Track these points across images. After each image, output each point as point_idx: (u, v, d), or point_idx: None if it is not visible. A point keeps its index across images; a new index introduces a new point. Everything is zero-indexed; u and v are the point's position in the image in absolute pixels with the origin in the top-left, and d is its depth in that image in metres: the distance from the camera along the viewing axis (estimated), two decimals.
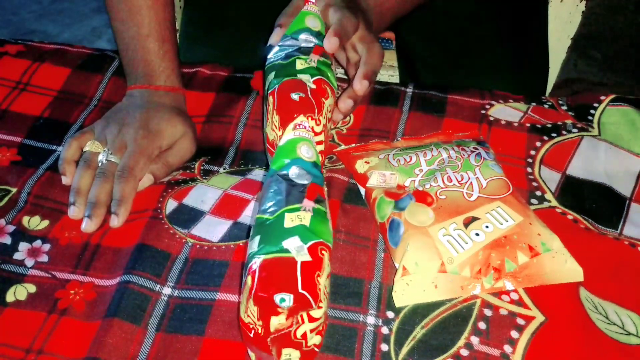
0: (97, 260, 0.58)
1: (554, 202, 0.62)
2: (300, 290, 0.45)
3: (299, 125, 0.55)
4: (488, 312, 0.53)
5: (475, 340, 0.51)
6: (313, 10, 0.65)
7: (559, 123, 0.69)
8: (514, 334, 0.52)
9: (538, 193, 0.63)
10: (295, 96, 0.57)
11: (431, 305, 0.54)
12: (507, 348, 0.51)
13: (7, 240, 0.60)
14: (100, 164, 0.63)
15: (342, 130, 0.69)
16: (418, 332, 0.52)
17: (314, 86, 0.58)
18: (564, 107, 0.72)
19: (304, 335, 0.46)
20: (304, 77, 0.59)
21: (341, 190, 0.63)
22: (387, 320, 0.53)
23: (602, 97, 0.72)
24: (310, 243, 0.47)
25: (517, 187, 0.59)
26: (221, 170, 0.66)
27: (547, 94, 0.93)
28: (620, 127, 0.68)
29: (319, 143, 0.57)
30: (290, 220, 0.49)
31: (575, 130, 0.69)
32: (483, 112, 0.71)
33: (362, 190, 0.62)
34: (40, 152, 0.68)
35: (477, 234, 0.54)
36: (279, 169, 0.53)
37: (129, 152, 0.63)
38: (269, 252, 0.47)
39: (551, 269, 0.54)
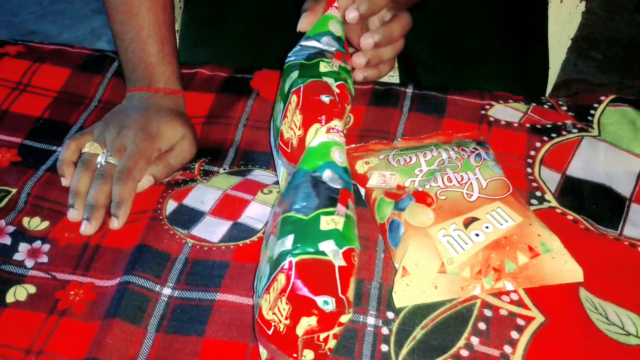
0: (97, 261, 0.58)
1: (554, 203, 0.62)
2: (340, 294, 0.45)
3: (333, 129, 0.54)
4: (488, 313, 0.53)
5: (475, 340, 0.51)
6: (336, 15, 0.64)
7: (559, 123, 0.69)
8: (514, 334, 0.52)
9: (538, 193, 0.63)
10: (325, 99, 0.55)
11: (431, 306, 0.54)
12: (507, 348, 0.51)
13: (7, 240, 0.60)
14: (99, 166, 0.63)
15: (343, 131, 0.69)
16: (418, 333, 0.52)
17: (338, 90, 0.57)
18: (564, 108, 0.72)
19: (326, 339, 0.46)
20: (329, 81, 0.58)
21: None
22: (387, 320, 0.53)
23: (602, 98, 0.72)
24: (344, 248, 0.47)
25: (517, 188, 0.59)
26: (221, 170, 0.66)
27: (547, 95, 0.93)
28: (620, 128, 0.68)
29: None
30: (326, 223, 0.48)
31: (575, 130, 0.68)
32: (483, 112, 0.71)
33: (362, 191, 0.62)
34: (40, 152, 0.68)
35: (477, 235, 0.54)
36: (312, 170, 0.52)
37: (128, 154, 0.63)
38: (305, 253, 0.46)
39: (551, 269, 0.54)
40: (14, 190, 0.64)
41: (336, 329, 0.46)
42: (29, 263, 0.58)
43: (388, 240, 0.56)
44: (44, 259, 0.58)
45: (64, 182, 0.64)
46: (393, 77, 0.96)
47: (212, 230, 0.60)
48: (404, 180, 0.59)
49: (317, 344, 0.47)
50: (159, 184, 0.65)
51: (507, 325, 0.52)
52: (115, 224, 0.60)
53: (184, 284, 0.56)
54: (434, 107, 0.71)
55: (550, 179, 0.64)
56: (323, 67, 0.59)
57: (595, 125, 0.69)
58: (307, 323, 0.45)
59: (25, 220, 0.61)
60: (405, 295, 0.53)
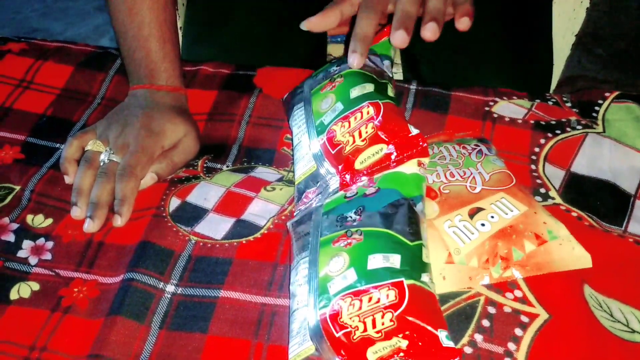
0: (101, 258, 0.58)
1: (558, 199, 0.62)
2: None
3: (423, 164, 0.55)
4: (492, 310, 0.53)
5: (479, 337, 0.51)
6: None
7: (563, 120, 0.69)
8: (517, 331, 0.51)
9: (542, 190, 0.62)
10: (414, 130, 0.55)
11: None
12: (511, 346, 0.51)
13: (11, 238, 0.60)
14: (102, 164, 0.63)
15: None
16: None
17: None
18: (568, 104, 0.71)
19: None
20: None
21: None
22: None
23: (607, 94, 0.71)
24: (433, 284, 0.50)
25: (521, 184, 0.59)
26: (224, 168, 0.66)
27: (551, 91, 0.92)
28: (625, 124, 0.68)
29: None
30: (425, 255, 0.51)
31: (579, 127, 0.68)
32: (487, 109, 0.70)
33: None
34: (43, 150, 0.68)
35: (483, 224, 0.54)
36: (409, 197, 0.53)
37: (130, 152, 0.63)
38: (413, 278, 0.48)
39: (559, 256, 0.54)
40: (17, 188, 0.64)
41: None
42: (33, 260, 0.58)
43: None
44: (48, 256, 0.58)
45: (67, 179, 0.64)
46: (397, 73, 0.96)
47: (216, 227, 0.60)
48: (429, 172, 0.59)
49: None
50: (162, 182, 0.65)
51: (511, 323, 0.52)
52: (118, 221, 0.60)
53: (187, 281, 0.56)
54: (437, 104, 0.71)
55: (555, 175, 0.64)
56: (390, 91, 0.60)
57: (599, 122, 0.69)
58: (396, 344, 0.45)
59: (29, 218, 0.61)
60: None
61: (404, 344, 0.45)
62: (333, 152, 0.56)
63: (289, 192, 0.62)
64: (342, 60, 0.62)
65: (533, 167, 0.65)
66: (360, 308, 0.46)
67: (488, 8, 0.85)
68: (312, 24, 0.62)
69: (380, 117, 0.55)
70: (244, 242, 0.59)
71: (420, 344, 0.45)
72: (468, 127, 0.67)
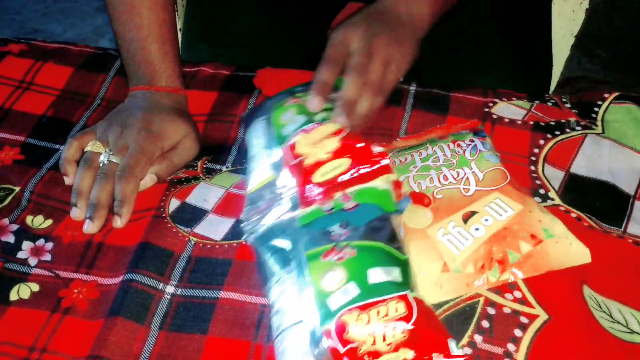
0: (101, 259, 0.58)
1: (558, 200, 0.62)
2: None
3: (398, 184, 0.56)
4: (491, 311, 0.53)
5: (478, 338, 0.51)
6: None
7: (563, 121, 0.69)
8: (517, 332, 0.51)
9: (542, 191, 0.62)
10: (377, 148, 0.56)
11: (434, 304, 0.53)
12: (511, 346, 0.51)
13: (11, 238, 0.60)
14: (101, 165, 0.63)
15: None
16: None
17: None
18: (568, 105, 0.71)
19: None
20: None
21: None
22: None
23: (606, 95, 0.71)
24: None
25: (515, 181, 0.59)
26: (224, 169, 0.66)
27: (550, 92, 0.92)
28: (624, 125, 0.68)
29: None
30: (412, 270, 0.51)
31: (579, 128, 0.68)
32: (486, 110, 0.70)
33: None
34: (43, 151, 0.68)
35: (477, 229, 0.54)
36: (390, 212, 0.53)
37: (130, 153, 0.63)
38: (413, 291, 0.48)
39: (556, 254, 0.54)
40: (17, 189, 0.64)
41: None
42: (33, 261, 0.58)
43: None
44: (48, 257, 0.58)
45: (67, 181, 0.64)
46: None
47: (215, 228, 0.60)
48: (399, 176, 0.59)
49: None
50: (161, 182, 0.65)
51: (511, 323, 0.52)
52: (118, 222, 0.60)
53: (187, 281, 0.56)
54: (437, 105, 0.71)
55: (554, 176, 0.64)
56: None
57: (599, 123, 0.69)
58: (401, 356, 0.45)
59: (29, 219, 0.61)
60: None
61: (410, 354, 0.45)
62: (292, 163, 0.56)
63: None
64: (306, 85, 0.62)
65: (532, 168, 0.65)
66: (368, 322, 0.46)
67: (487, 9, 0.85)
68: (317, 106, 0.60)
69: (345, 132, 0.56)
70: (243, 243, 0.59)
71: (433, 354, 0.45)
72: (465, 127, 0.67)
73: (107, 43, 1.98)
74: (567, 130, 0.68)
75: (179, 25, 0.92)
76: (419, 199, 0.57)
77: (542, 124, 0.69)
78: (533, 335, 0.51)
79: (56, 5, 2.20)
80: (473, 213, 0.55)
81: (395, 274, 0.49)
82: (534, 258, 0.54)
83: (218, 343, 0.52)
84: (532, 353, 0.50)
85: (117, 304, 0.54)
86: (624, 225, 0.60)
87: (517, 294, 0.54)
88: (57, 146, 0.69)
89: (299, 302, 0.49)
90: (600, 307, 0.53)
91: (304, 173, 0.55)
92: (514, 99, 0.72)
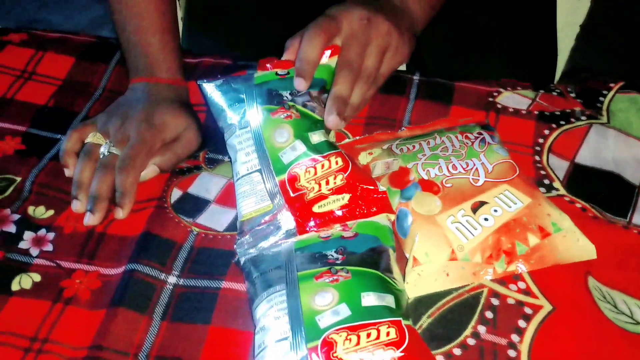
0: (102, 249, 0.58)
1: (563, 191, 0.61)
2: None
3: (391, 221, 0.57)
4: (495, 301, 0.53)
5: (482, 329, 0.51)
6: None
7: (568, 110, 0.69)
8: (521, 323, 0.51)
9: (546, 181, 0.62)
10: (381, 187, 0.56)
11: (438, 294, 0.53)
12: (515, 337, 0.50)
13: (12, 229, 0.59)
14: (101, 156, 0.62)
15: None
16: (424, 322, 0.52)
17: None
18: (573, 95, 0.71)
19: None
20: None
21: None
22: None
23: (612, 85, 0.71)
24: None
25: (524, 174, 0.58)
26: (226, 159, 0.66)
27: (555, 82, 0.92)
28: (629, 115, 0.67)
29: None
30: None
31: (584, 117, 0.68)
32: (491, 99, 0.70)
33: None
34: (44, 141, 0.68)
35: (486, 219, 0.54)
36: (390, 246, 0.54)
37: (130, 144, 0.62)
38: (407, 320, 0.48)
39: (563, 248, 0.54)
40: (18, 179, 0.64)
41: None
42: (34, 251, 0.58)
43: (397, 230, 0.56)
44: (49, 247, 0.58)
45: (67, 173, 0.63)
46: None
47: (218, 218, 0.60)
48: (407, 163, 0.59)
49: None
50: (164, 174, 0.64)
51: (515, 314, 0.52)
52: (120, 214, 0.60)
53: (189, 272, 0.56)
54: (441, 95, 0.71)
55: (559, 166, 0.63)
56: (333, 136, 0.63)
57: (604, 112, 0.68)
58: None
59: (31, 209, 0.61)
60: (418, 285, 0.53)
61: None
62: (293, 196, 0.54)
63: None
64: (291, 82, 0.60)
65: (537, 158, 0.64)
66: (357, 344, 0.45)
67: None
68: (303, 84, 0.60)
69: (350, 169, 0.55)
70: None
71: None
72: (470, 117, 0.67)
73: (106, 34, 1.96)
74: (572, 120, 0.67)
75: (179, 15, 0.92)
76: (428, 186, 0.56)
77: (547, 113, 0.68)
78: (537, 326, 0.51)
79: None
80: (482, 203, 0.55)
81: (389, 300, 0.48)
82: (541, 251, 0.53)
83: (220, 333, 0.51)
84: (536, 344, 0.50)
85: (119, 294, 0.53)
86: (629, 215, 0.59)
87: (521, 285, 0.53)
88: (59, 136, 0.68)
89: (285, 320, 0.47)
90: (605, 298, 0.53)
91: (304, 206, 0.54)
92: (518, 88, 0.71)
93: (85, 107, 0.72)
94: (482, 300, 0.53)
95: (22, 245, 0.58)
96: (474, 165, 0.58)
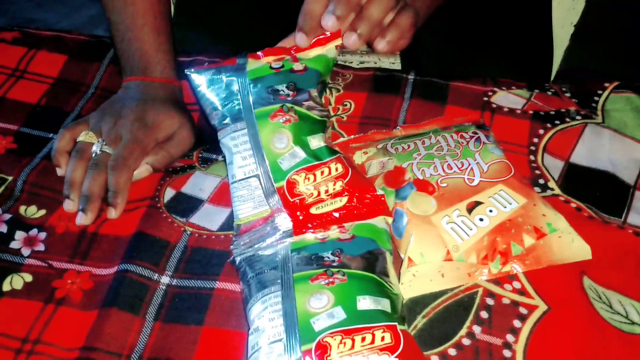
0: (95, 249, 0.57)
1: (557, 191, 0.61)
2: None
3: (388, 224, 0.56)
4: (490, 301, 0.52)
5: (477, 329, 0.51)
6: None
7: (563, 110, 0.68)
8: (516, 323, 0.51)
9: (541, 181, 0.62)
10: (379, 190, 0.55)
11: (433, 294, 0.53)
12: (510, 337, 0.50)
13: (3, 228, 0.59)
14: (94, 155, 0.62)
15: (343, 118, 0.69)
16: (419, 322, 0.51)
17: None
18: (568, 94, 0.71)
19: None
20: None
21: None
22: None
23: (606, 84, 0.71)
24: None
25: (519, 174, 0.58)
26: (220, 158, 0.66)
27: (550, 82, 0.92)
28: (624, 114, 0.67)
29: None
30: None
31: (578, 117, 0.68)
32: (485, 99, 0.70)
33: None
34: (36, 140, 0.67)
35: (481, 219, 0.54)
36: (388, 249, 0.53)
37: (123, 143, 0.62)
38: (402, 325, 0.47)
39: (559, 249, 0.53)
40: (10, 178, 0.63)
41: None
42: (26, 251, 0.57)
43: (392, 231, 0.56)
44: (41, 247, 0.58)
45: (59, 172, 0.63)
46: (394, 64, 0.95)
47: (211, 218, 0.59)
48: (402, 163, 0.59)
49: None
50: (157, 173, 0.64)
51: (510, 314, 0.52)
52: (112, 213, 0.59)
53: (182, 272, 0.55)
54: (436, 94, 0.71)
55: (554, 166, 0.63)
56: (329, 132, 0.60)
57: (599, 112, 0.68)
58: None
59: (22, 208, 0.61)
60: (413, 286, 0.53)
61: None
62: (292, 201, 0.54)
63: None
64: (289, 79, 0.58)
65: (532, 157, 0.64)
66: (352, 347, 0.45)
67: None
68: (304, 41, 0.57)
69: (350, 175, 0.54)
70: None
71: None
72: (464, 116, 0.67)
73: (101, 33, 1.95)
74: (567, 119, 0.67)
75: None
76: (423, 186, 0.56)
77: (542, 113, 0.68)
78: (532, 326, 0.51)
79: None
80: (477, 203, 0.54)
81: (384, 304, 0.48)
82: (536, 252, 0.53)
83: (214, 334, 0.51)
84: (531, 344, 0.50)
85: (112, 294, 0.53)
86: (624, 215, 0.59)
87: (517, 285, 0.53)
88: (51, 135, 0.68)
89: (280, 322, 0.47)
90: (600, 298, 0.53)
91: (302, 207, 0.54)
92: (513, 88, 0.71)
93: (78, 106, 0.72)
94: (477, 300, 0.52)
95: (14, 245, 0.58)
96: (469, 164, 0.58)
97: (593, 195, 0.61)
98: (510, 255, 0.53)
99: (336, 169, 0.55)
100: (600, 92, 0.70)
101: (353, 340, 0.45)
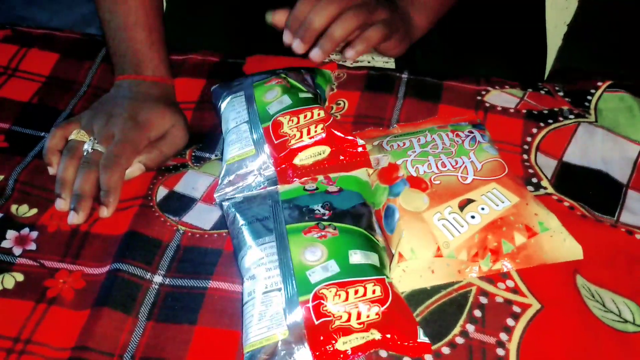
0: (87, 248, 0.57)
1: (550, 189, 0.61)
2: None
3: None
4: (484, 300, 0.52)
5: (470, 328, 0.51)
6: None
7: (556, 109, 0.69)
8: (509, 321, 0.51)
9: (534, 180, 0.62)
10: (360, 140, 0.59)
11: (426, 293, 0.53)
12: (503, 336, 0.50)
13: None
14: (85, 153, 0.62)
15: (336, 117, 0.69)
16: None
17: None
18: (561, 93, 0.71)
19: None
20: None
21: None
22: None
23: (599, 83, 0.71)
24: None
25: (513, 173, 0.58)
26: (212, 157, 0.65)
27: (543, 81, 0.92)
28: (617, 113, 0.68)
29: None
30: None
31: (571, 116, 0.68)
32: (479, 98, 0.70)
33: None
34: (28, 138, 0.67)
35: (473, 217, 0.54)
36: (369, 202, 0.57)
37: (115, 142, 0.61)
38: (388, 278, 0.51)
39: (550, 248, 0.54)
40: (1, 177, 0.63)
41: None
42: (17, 250, 0.57)
43: (384, 227, 0.56)
44: (32, 246, 0.57)
45: (51, 171, 0.62)
46: (388, 63, 0.95)
47: (204, 217, 0.59)
48: (396, 160, 0.59)
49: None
50: (150, 172, 0.64)
51: (503, 313, 0.52)
52: (104, 212, 0.59)
53: (175, 271, 0.55)
54: (429, 93, 0.71)
55: (547, 165, 0.63)
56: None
57: (592, 111, 0.68)
58: (370, 336, 0.47)
59: (14, 207, 0.60)
60: (402, 281, 0.53)
61: (377, 336, 0.47)
62: (276, 142, 0.57)
63: None
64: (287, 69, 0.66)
65: (525, 156, 0.64)
66: (346, 299, 0.48)
67: None
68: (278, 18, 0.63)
69: (331, 121, 0.58)
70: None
71: (401, 337, 0.48)
72: (460, 116, 0.67)
73: (94, 32, 1.94)
74: (560, 118, 0.68)
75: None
76: (417, 183, 0.56)
77: (535, 112, 0.68)
78: (526, 325, 0.51)
79: None
80: (470, 201, 0.54)
81: (374, 259, 0.51)
82: (527, 250, 0.53)
83: (207, 333, 0.51)
84: (524, 342, 0.50)
85: (104, 294, 0.53)
86: (616, 214, 0.59)
87: (510, 283, 0.53)
88: (43, 134, 0.67)
89: (277, 272, 0.50)
90: (593, 297, 0.53)
91: (286, 153, 0.57)
92: (506, 87, 0.71)
93: (70, 104, 0.71)
94: (471, 299, 0.52)
95: (5, 244, 0.57)
96: (463, 163, 0.58)
97: (586, 194, 0.61)
98: (501, 253, 0.53)
99: (319, 114, 0.59)
100: (593, 91, 0.70)
101: (347, 293, 0.48)
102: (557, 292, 0.53)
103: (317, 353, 0.46)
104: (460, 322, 0.51)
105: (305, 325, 0.47)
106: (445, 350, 0.50)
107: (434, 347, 0.50)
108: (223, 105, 0.63)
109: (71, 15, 2.05)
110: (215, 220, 0.59)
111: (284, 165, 0.57)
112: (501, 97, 0.70)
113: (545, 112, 0.68)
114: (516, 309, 0.52)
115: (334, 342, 0.47)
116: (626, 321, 0.51)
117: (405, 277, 0.53)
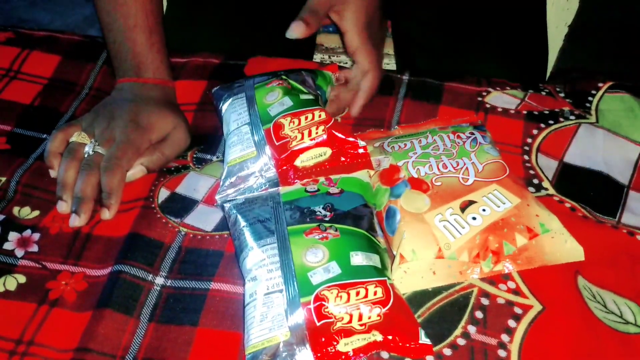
0: (88, 250, 0.57)
1: (552, 190, 0.61)
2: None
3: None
4: (485, 301, 0.52)
5: (472, 329, 0.51)
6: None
7: (557, 110, 0.69)
8: (511, 323, 0.51)
9: (535, 181, 0.62)
10: (361, 142, 0.59)
11: (428, 294, 0.53)
12: (505, 337, 0.50)
13: None
14: (86, 156, 0.62)
15: (337, 119, 0.69)
16: None
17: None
18: (562, 94, 0.71)
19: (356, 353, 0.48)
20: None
21: None
22: None
23: (600, 84, 0.71)
24: None
25: (514, 175, 0.58)
26: (214, 159, 0.65)
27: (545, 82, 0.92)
28: (618, 114, 0.68)
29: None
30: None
31: (572, 117, 0.68)
32: (479, 99, 0.70)
33: None
34: (30, 141, 0.67)
35: (474, 218, 0.54)
36: (371, 204, 0.57)
37: (116, 144, 0.62)
38: (389, 279, 0.51)
39: (551, 249, 0.54)
40: (3, 179, 0.63)
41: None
42: (19, 252, 0.57)
43: (385, 228, 0.56)
44: (34, 248, 0.57)
45: (52, 174, 0.62)
46: (389, 64, 0.95)
47: (206, 218, 0.59)
48: (398, 161, 0.59)
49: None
50: (152, 174, 0.64)
51: (505, 314, 0.52)
52: (106, 214, 0.59)
53: (177, 273, 0.55)
54: (430, 95, 0.71)
55: (548, 166, 0.63)
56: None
57: (593, 112, 0.68)
58: (372, 337, 0.47)
59: (16, 209, 0.60)
60: (404, 283, 0.53)
61: (379, 337, 0.47)
62: (277, 144, 0.58)
63: None
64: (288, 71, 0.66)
65: (526, 157, 0.64)
66: (347, 301, 0.48)
67: None
68: (295, 33, 0.64)
69: (332, 122, 0.59)
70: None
71: (403, 338, 0.48)
72: (461, 117, 0.67)
73: (95, 33, 1.94)
74: (561, 119, 0.68)
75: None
76: (418, 184, 0.56)
77: (536, 113, 0.68)
78: (527, 326, 0.51)
79: None
80: (471, 202, 0.54)
81: (375, 260, 0.51)
82: (529, 252, 0.53)
83: (209, 335, 0.51)
84: (526, 344, 0.50)
85: (106, 295, 0.53)
86: (618, 215, 0.59)
87: (511, 285, 0.53)
88: (44, 136, 0.68)
89: (278, 274, 0.50)
90: (595, 298, 0.53)
91: (287, 155, 0.57)
92: (507, 88, 0.71)
93: (72, 107, 0.71)
94: (472, 300, 0.53)
95: (7, 246, 0.57)
96: (465, 164, 0.58)
97: (587, 195, 0.61)
98: (502, 255, 0.53)
99: (320, 116, 0.59)
100: (594, 92, 0.70)
101: (348, 294, 0.48)
102: (558, 294, 0.53)
103: (319, 354, 0.46)
104: (462, 323, 0.51)
105: (306, 327, 0.47)
106: (447, 352, 0.50)
107: (435, 349, 0.50)
108: (224, 107, 0.64)
109: (73, 16, 2.05)
110: (216, 221, 0.59)
111: (285, 167, 0.57)
112: (502, 99, 0.70)
113: (546, 113, 0.68)
114: (518, 310, 0.52)
115: (335, 343, 0.47)
116: (627, 322, 0.51)
117: (407, 279, 0.53)
